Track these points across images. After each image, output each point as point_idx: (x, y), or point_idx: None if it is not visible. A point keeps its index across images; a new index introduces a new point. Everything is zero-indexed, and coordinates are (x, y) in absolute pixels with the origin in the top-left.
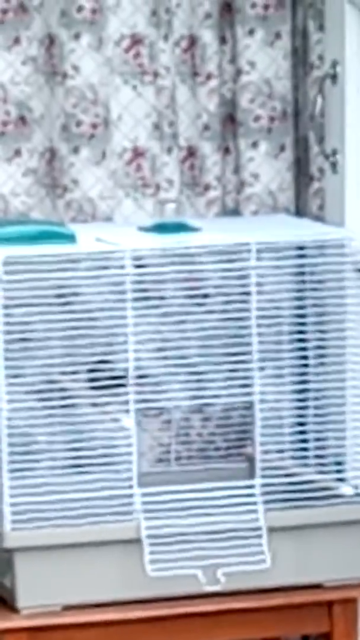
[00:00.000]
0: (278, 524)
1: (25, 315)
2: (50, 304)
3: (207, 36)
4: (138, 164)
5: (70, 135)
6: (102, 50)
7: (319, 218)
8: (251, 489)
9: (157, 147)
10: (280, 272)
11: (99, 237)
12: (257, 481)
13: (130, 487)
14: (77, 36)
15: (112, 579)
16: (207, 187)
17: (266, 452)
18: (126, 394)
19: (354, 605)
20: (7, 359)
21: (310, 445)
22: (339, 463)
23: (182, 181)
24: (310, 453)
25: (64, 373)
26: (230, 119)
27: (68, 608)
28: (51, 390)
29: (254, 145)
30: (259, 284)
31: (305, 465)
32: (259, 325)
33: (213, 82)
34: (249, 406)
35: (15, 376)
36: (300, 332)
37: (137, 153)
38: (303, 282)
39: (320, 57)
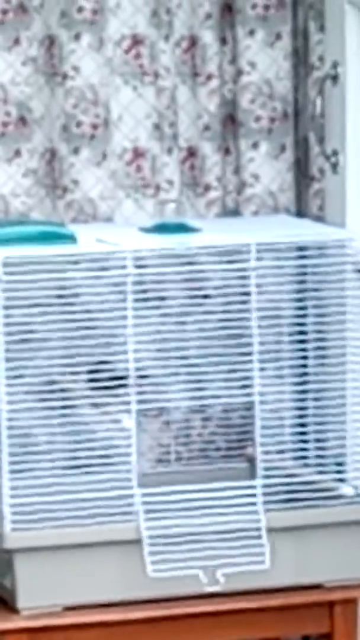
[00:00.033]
0: (278, 525)
1: (25, 316)
2: (50, 305)
3: (208, 37)
4: (138, 164)
5: (71, 136)
6: (102, 51)
7: (319, 218)
8: (251, 490)
9: (157, 147)
10: (280, 273)
11: (99, 238)
12: (258, 481)
13: (131, 487)
14: (77, 37)
15: (112, 579)
16: (207, 188)
17: (266, 452)
18: (126, 394)
19: (354, 605)
20: (7, 359)
21: (311, 445)
22: (339, 463)
23: (182, 182)
24: (311, 453)
25: (64, 373)
26: (230, 119)
27: (68, 609)
28: (51, 391)
29: (255, 145)
30: (259, 285)
31: (306, 465)
32: (259, 326)
33: (213, 83)
34: (250, 406)
35: (16, 376)
36: (301, 332)
37: (138, 153)
38: (303, 282)
39: (321, 58)
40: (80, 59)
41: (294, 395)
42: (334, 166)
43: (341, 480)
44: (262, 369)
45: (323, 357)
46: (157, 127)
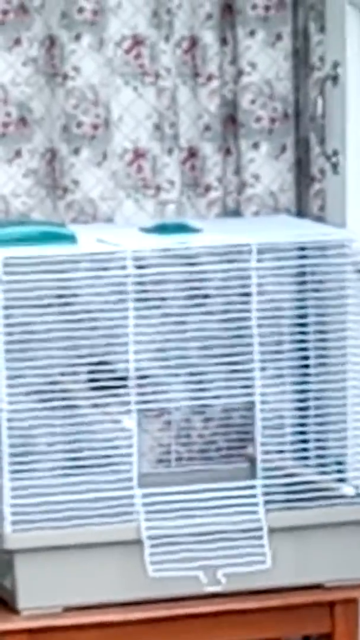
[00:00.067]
0: (279, 525)
1: (25, 316)
2: (50, 305)
3: (208, 37)
4: (139, 164)
5: (71, 136)
6: (102, 51)
7: (319, 219)
8: (252, 490)
9: (158, 148)
10: (281, 273)
11: (99, 238)
12: (258, 482)
13: (131, 487)
14: (77, 37)
15: (112, 580)
16: (208, 188)
17: (267, 452)
18: (127, 394)
19: (355, 605)
20: (7, 359)
21: (311, 445)
22: (339, 463)
23: (183, 182)
24: (311, 454)
25: (64, 374)
26: (231, 119)
27: (68, 609)
28: (52, 391)
29: (255, 146)
30: (259, 285)
31: (306, 465)
32: (259, 326)
33: (214, 83)
34: (250, 407)
35: (16, 377)
36: (301, 333)
37: (138, 154)
38: (304, 283)
39: (321, 59)
40: (80, 59)
41: (295, 396)
42: (335, 166)
43: (342, 480)
44: (262, 369)
45: (323, 357)
46: (157, 127)
